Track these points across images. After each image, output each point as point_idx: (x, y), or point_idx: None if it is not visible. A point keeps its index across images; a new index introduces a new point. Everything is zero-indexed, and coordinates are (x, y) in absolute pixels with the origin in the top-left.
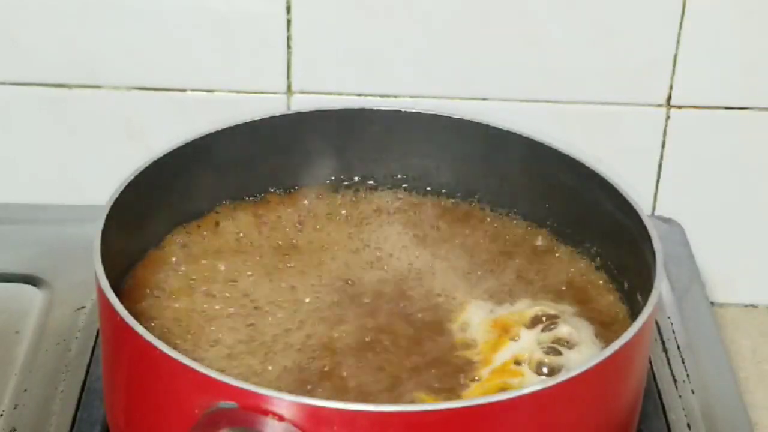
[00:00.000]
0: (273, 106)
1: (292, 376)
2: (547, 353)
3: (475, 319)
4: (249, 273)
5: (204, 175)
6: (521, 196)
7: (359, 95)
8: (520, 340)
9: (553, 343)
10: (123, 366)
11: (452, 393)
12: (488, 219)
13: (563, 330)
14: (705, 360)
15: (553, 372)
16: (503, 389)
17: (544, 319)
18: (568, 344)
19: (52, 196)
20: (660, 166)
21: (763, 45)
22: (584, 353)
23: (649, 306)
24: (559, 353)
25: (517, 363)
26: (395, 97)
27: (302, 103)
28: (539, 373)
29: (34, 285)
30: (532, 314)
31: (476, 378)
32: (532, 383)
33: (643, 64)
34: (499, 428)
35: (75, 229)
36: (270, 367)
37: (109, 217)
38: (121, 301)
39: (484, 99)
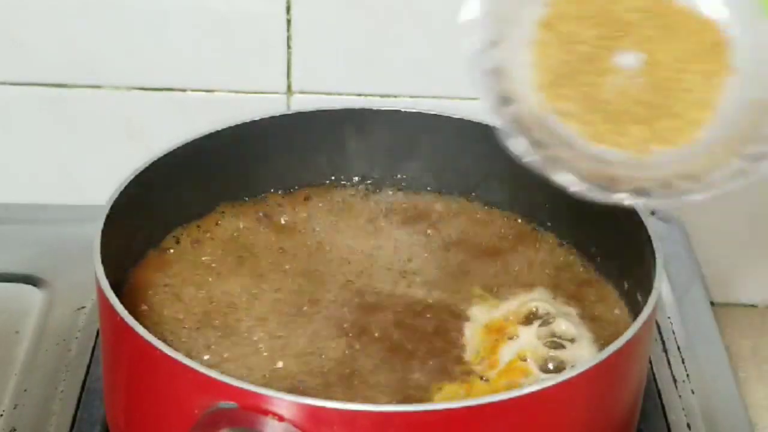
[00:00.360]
0: (273, 106)
1: (290, 378)
2: (549, 347)
3: (475, 321)
4: (249, 273)
5: (204, 174)
6: (521, 196)
7: (359, 95)
8: (519, 338)
9: (553, 337)
10: (123, 366)
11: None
12: (488, 219)
13: (561, 326)
14: (705, 360)
15: (558, 367)
16: (511, 389)
17: (538, 314)
18: (569, 339)
19: (52, 196)
20: None
21: None
22: (584, 348)
23: (649, 306)
24: (562, 347)
25: (523, 359)
26: (395, 97)
27: (302, 103)
28: (545, 369)
29: (34, 285)
30: (525, 311)
31: (484, 378)
32: (540, 380)
33: None
34: (499, 428)
35: (75, 229)
36: (271, 368)
37: (109, 217)
38: (121, 301)
39: None
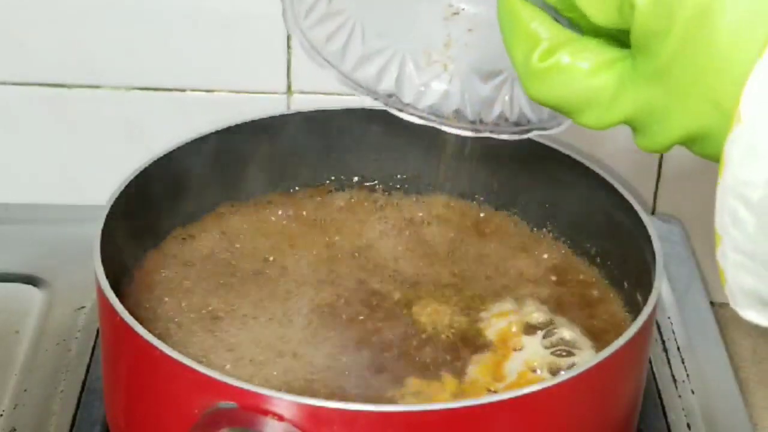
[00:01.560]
0: (273, 106)
1: (293, 380)
2: (557, 355)
3: (476, 334)
4: (249, 273)
5: (204, 175)
6: (521, 197)
7: None
8: (525, 349)
9: (559, 345)
10: (123, 366)
11: None
12: (488, 219)
13: (565, 334)
14: (705, 360)
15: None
16: None
17: (539, 324)
18: (574, 345)
19: (52, 196)
20: (660, 166)
21: None
22: (587, 354)
23: (649, 306)
24: (571, 354)
25: (533, 371)
26: None
27: (302, 103)
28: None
29: (34, 285)
30: (528, 321)
31: (492, 390)
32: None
33: None
34: (499, 428)
35: (75, 229)
36: (273, 370)
37: (109, 217)
38: (121, 301)
39: None
